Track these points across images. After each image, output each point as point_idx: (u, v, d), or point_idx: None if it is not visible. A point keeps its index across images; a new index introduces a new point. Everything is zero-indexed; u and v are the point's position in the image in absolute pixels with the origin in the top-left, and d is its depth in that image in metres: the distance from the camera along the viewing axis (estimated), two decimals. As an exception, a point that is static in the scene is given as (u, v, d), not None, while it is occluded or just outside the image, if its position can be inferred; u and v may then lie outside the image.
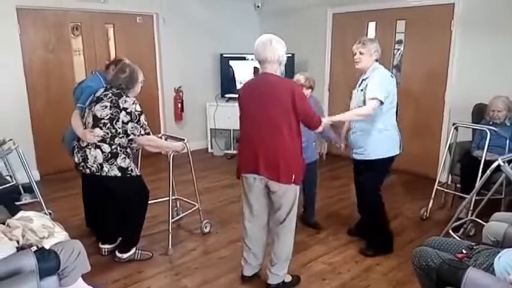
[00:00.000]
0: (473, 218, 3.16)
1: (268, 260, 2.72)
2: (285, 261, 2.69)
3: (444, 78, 4.60)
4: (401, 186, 4.69)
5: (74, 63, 5.07)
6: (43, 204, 3.44)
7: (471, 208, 3.29)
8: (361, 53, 2.91)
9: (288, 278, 2.78)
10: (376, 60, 2.98)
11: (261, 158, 2.47)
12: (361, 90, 2.94)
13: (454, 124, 3.78)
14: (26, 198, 3.92)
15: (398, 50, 5.38)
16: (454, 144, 3.86)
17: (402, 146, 3.08)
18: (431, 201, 3.78)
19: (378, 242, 3.18)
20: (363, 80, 2.99)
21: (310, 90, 3.38)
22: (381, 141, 2.97)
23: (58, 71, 4.89)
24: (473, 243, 2.20)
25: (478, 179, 3.17)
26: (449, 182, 3.99)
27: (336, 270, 2.98)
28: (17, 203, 3.70)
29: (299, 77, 3.36)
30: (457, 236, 3.00)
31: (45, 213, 3.28)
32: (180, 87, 5.87)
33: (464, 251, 2.15)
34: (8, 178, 4.04)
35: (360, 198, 3.23)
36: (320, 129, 2.65)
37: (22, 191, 4.01)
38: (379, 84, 2.84)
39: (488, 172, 2.69)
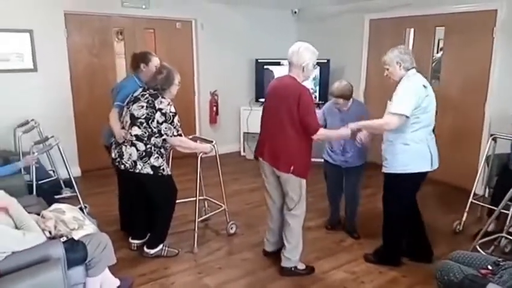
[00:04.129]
0: (503, 234, 3.01)
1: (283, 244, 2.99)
2: (295, 248, 2.95)
3: (485, 87, 4.42)
4: (436, 197, 4.53)
5: (117, 66, 5.33)
6: (80, 199, 3.63)
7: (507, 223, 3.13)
8: (387, 68, 2.84)
9: (302, 266, 3.02)
10: (409, 69, 2.77)
11: (266, 147, 2.87)
12: (390, 100, 2.81)
13: (492, 135, 3.62)
14: (66, 192, 4.15)
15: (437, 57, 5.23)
16: (492, 156, 3.70)
17: (435, 162, 2.84)
18: (465, 215, 3.64)
19: (386, 251, 3.09)
20: None
21: (341, 99, 3.28)
22: (403, 155, 2.79)
23: (101, 74, 5.15)
24: (500, 259, 2.12)
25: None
26: (486, 195, 3.83)
27: (358, 280, 2.95)
28: (58, 197, 3.95)
29: (334, 85, 3.31)
30: (487, 252, 2.86)
31: (81, 207, 3.48)
32: (215, 91, 6.00)
33: (489, 267, 2.08)
34: (51, 173, 4.32)
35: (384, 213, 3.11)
36: (315, 138, 2.74)
37: (63, 186, 4.26)
38: (401, 97, 2.70)
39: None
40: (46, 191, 3.62)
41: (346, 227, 3.65)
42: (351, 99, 3.36)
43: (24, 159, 3.42)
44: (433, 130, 2.89)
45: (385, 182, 2.99)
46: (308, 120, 2.68)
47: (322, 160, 3.66)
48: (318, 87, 5.80)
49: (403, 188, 2.89)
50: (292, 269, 2.97)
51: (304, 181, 2.85)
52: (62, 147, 3.67)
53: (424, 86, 2.73)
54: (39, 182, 3.69)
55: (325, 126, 3.35)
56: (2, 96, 4.42)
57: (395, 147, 2.82)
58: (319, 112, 3.16)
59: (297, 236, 2.95)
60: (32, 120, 4.36)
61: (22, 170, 3.44)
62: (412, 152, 2.79)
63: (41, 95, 4.68)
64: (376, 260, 3.12)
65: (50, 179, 4.06)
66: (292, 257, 2.95)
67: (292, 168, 2.75)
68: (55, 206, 2.53)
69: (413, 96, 2.67)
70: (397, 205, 2.96)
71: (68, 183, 4.07)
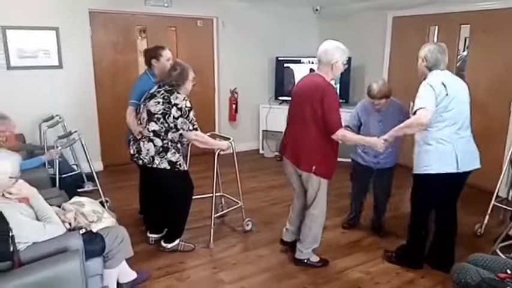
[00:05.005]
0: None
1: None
2: (309, 243, 2.99)
3: (511, 86, 4.28)
4: (459, 199, 4.42)
5: (139, 63, 5.41)
6: (101, 192, 3.73)
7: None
8: (417, 61, 2.78)
9: (315, 258, 3.06)
10: (431, 69, 2.69)
11: (289, 145, 2.90)
12: (412, 102, 2.72)
13: (516, 136, 3.52)
14: (88, 186, 4.27)
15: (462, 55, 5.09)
16: (516, 158, 3.58)
17: (463, 164, 2.70)
18: (487, 217, 3.55)
19: (406, 252, 3.05)
20: None
21: (383, 100, 3.17)
22: (426, 155, 2.72)
23: (124, 71, 5.24)
24: (519, 264, 2.06)
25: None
26: (509, 198, 3.71)
27: (373, 280, 2.91)
28: (80, 190, 4.07)
29: (373, 87, 3.17)
30: (508, 256, 2.78)
31: (102, 201, 3.57)
32: (235, 88, 6.03)
33: (508, 271, 2.02)
34: (74, 167, 4.44)
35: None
36: (334, 137, 2.67)
37: (85, 179, 4.37)
38: (420, 94, 2.63)
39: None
40: (69, 185, 3.73)
41: (373, 226, 3.63)
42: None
43: (48, 152, 3.53)
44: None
45: (413, 183, 2.94)
46: (329, 118, 2.63)
47: (349, 160, 3.60)
48: (338, 85, 5.73)
49: (427, 189, 2.82)
50: (305, 261, 3.02)
51: (324, 181, 2.83)
52: (84, 142, 3.77)
53: (443, 85, 2.60)
54: (62, 176, 3.80)
55: (359, 126, 3.34)
56: (29, 92, 4.57)
57: (421, 147, 2.77)
58: (351, 111, 3.10)
59: (313, 236, 2.99)
60: (57, 115, 4.50)
61: (46, 163, 3.55)
62: (434, 152, 2.70)
63: (66, 91, 4.81)
64: (396, 259, 3.08)
65: (72, 173, 4.18)
66: (304, 249, 3.00)
67: (314, 168, 2.74)
68: (75, 199, 2.60)
69: (429, 92, 2.59)
70: (420, 206, 2.93)
71: (90, 177, 4.17)
